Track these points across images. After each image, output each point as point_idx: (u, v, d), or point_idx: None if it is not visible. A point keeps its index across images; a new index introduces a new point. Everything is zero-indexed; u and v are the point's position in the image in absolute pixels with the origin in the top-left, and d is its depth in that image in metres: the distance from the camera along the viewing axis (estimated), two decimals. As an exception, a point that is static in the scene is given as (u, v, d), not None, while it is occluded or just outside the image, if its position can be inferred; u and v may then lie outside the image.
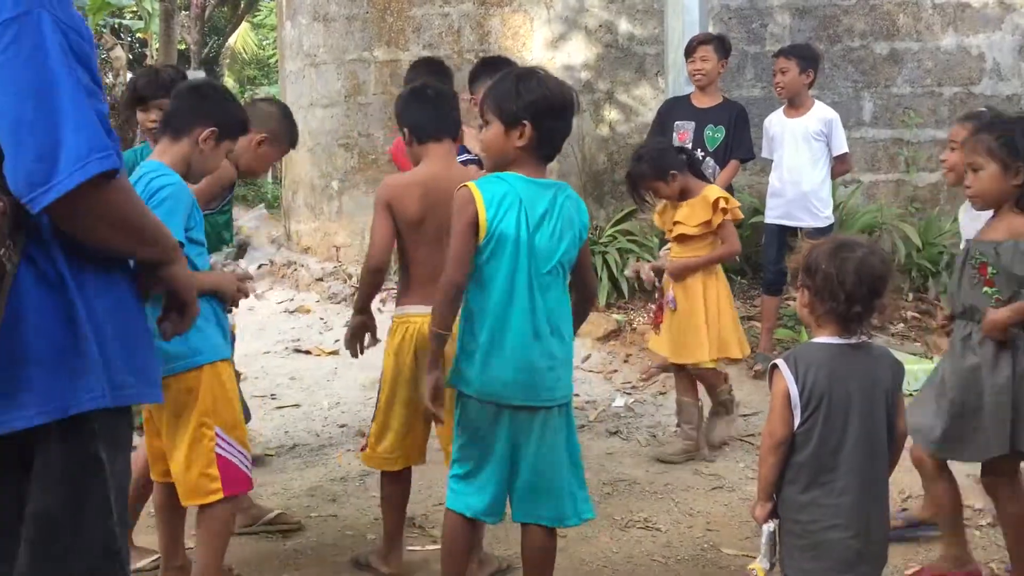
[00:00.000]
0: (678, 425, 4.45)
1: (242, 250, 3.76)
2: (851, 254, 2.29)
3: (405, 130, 3.12)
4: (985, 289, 2.77)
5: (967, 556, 3.00)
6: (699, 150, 5.34)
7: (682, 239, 4.22)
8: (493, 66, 3.94)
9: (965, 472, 3.32)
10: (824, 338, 2.36)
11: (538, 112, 2.52)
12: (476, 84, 4.03)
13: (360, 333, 3.16)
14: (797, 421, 2.31)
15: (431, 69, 4.17)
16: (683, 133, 5.40)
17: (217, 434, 2.75)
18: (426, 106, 3.09)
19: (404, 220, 2.98)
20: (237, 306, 2.95)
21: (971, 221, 3.18)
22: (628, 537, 3.52)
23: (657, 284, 4.41)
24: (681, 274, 4.23)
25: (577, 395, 5.30)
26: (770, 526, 2.37)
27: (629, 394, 5.24)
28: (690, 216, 4.16)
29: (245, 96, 20.05)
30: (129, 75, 16.74)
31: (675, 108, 5.54)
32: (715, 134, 5.35)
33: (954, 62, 7.24)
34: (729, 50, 5.48)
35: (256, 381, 5.84)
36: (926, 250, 6.41)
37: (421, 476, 4.14)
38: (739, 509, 3.71)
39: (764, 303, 5.53)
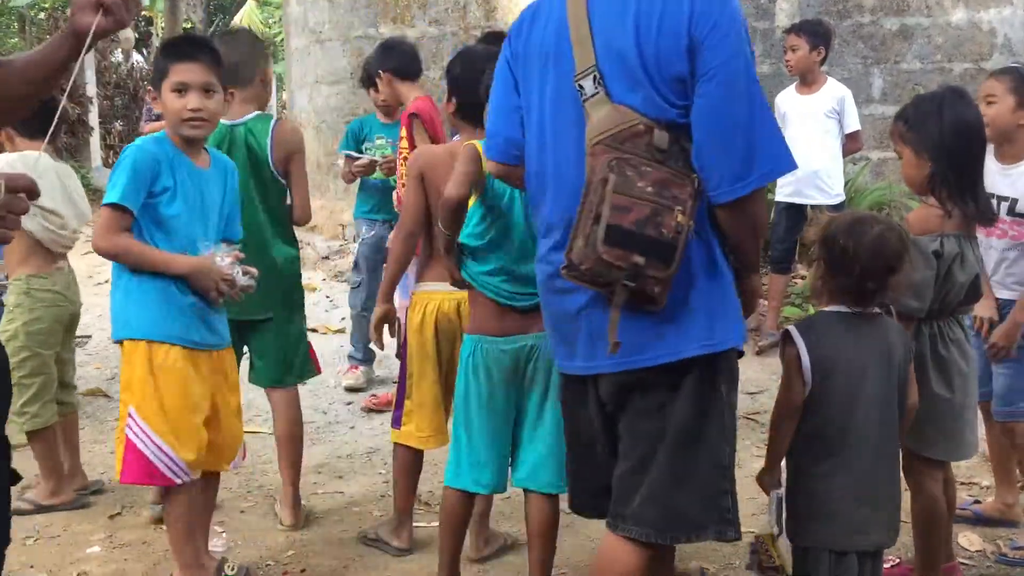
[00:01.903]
0: None
1: None
2: (869, 229, 2.31)
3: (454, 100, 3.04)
4: None
5: (948, 555, 2.93)
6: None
7: None
8: (497, 42, 3.91)
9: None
10: (835, 307, 2.38)
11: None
12: None
13: (381, 325, 3.11)
14: (808, 387, 2.33)
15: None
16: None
17: (130, 414, 2.67)
18: None
19: (434, 191, 2.90)
20: (216, 302, 2.76)
21: None
22: (634, 514, 3.52)
23: None
24: None
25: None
26: (779, 492, 2.38)
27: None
28: None
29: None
30: (135, 55, 16.69)
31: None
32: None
33: (964, 38, 7.16)
34: None
35: (262, 359, 5.84)
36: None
37: (427, 453, 4.14)
38: (746, 486, 3.69)
39: (771, 281, 5.50)
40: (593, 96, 1.95)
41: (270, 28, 22.16)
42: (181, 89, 2.68)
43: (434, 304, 3.00)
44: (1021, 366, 3.14)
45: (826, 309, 2.42)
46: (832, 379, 2.32)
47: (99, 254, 2.70)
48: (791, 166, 2.00)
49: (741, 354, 2.14)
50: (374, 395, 4.89)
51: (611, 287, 1.92)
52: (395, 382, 3.63)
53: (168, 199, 2.67)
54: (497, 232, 2.62)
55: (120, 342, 2.72)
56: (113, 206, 2.62)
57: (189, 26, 20.59)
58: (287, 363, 3.43)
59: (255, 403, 4.95)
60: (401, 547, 3.20)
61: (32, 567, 3.12)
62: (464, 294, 2.81)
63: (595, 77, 1.95)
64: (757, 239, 2.09)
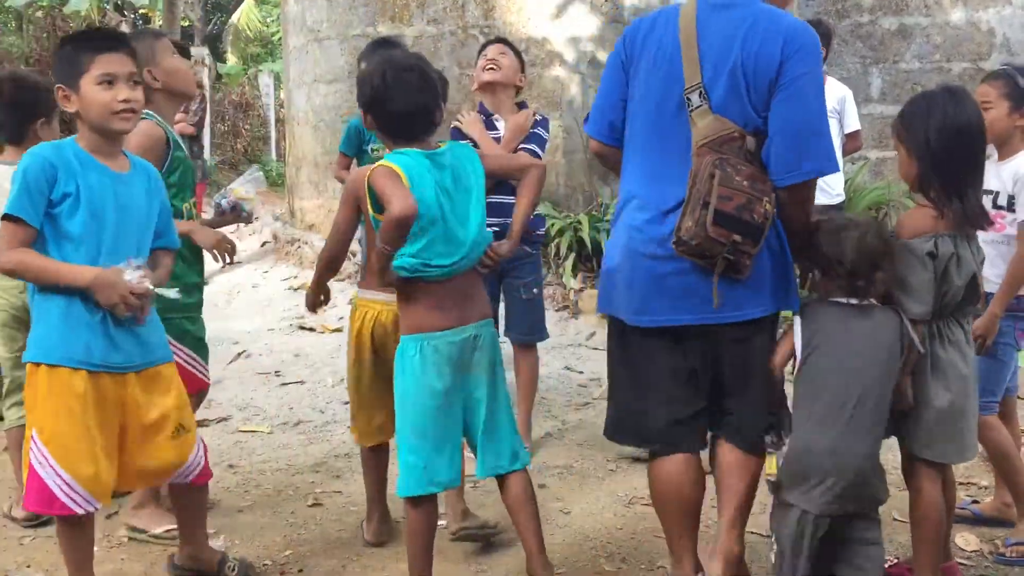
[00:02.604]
0: None
1: (237, 214, 3.58)
2: (849, 235, 2.54)
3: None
4: None
5: (946, 554, 2.92)
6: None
7: None
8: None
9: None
10: (835, 299, 2.62)
11: (370, 103, 2.70)
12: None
13: (316, 300, 3.21)
14: (798, 357, 2.56)
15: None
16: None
17: (33, 438, 2.53)
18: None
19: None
20: (121, 315, 2.55)
21: None
22: (632, 513, 3.52)
23: None
24: None
25: (581, 372, 5.30)
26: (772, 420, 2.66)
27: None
28: None
29: (248, 74, 19.98)
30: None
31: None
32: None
33: (963, 37, 7.17)
34: None
35: (260, 358, 5.84)
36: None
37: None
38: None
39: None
40: (698, 108, 2.47)
41: (268, 27, 22.14)
42: (110, 81, 2.54)
43: (373, 313, 3.06)
44: (994, 362, 3.13)
45: (830, 299, 2.61)
46: (821, 355, 2.54)
47: (2, 272, 2.55)
48: (835, 168, 2.55)
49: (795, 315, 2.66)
50: None
51: (713, 259, 2.44)
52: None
53: (71, 206, 2.50)
54: (432, 236, 2.63)
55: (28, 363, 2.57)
56: (5, 218, 2.47)
57: (186, 24, 20.57)
58: None
59: (254, 402, 4.96)
60: (367, 539, 3.26)
61: (29, 567, 3.11)
62: None
63: (701, 92, 2.47)
64: (805, 226, 2.59)
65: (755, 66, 2.44)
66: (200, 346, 3.30)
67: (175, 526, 3.26)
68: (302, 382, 5.32)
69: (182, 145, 3.31)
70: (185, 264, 3.18)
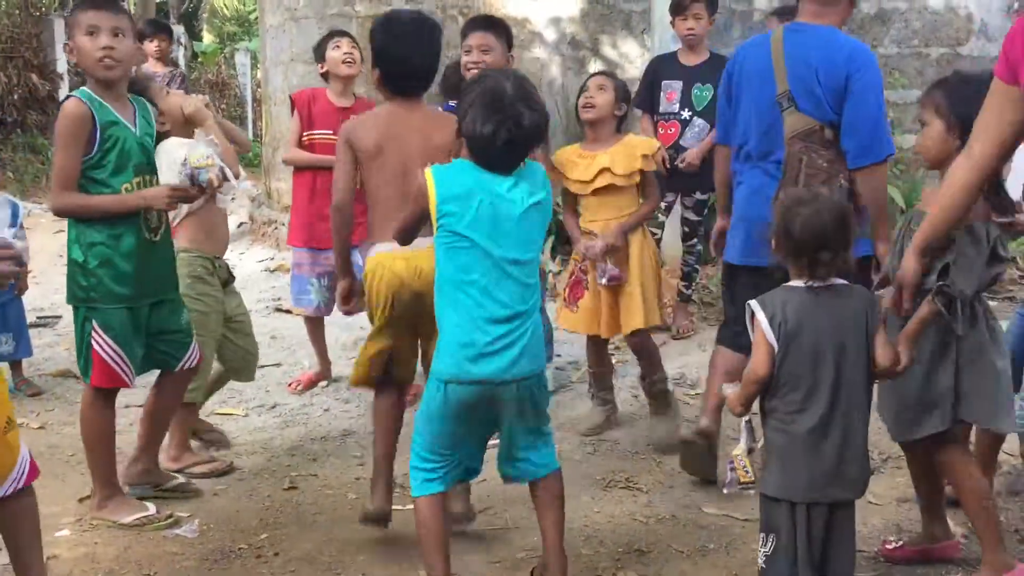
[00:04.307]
0: (592, 396, 4.30)
1: (198, 187, 3.22)
2: (802, 209, 2.48)
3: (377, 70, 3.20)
4: None
5: (946, 532, 2.97)
6: (687, 110, 5.29)
7: (605, 191, 3.93)
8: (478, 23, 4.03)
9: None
10: (792, 282, 2.53)
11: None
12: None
13: (348, 297, 3.22)
14: (777, 353, 2.46)
15: None
16: (671, 93, 5.33)
17: None
18: None
19: (363, 153, 3.02)
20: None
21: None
22: (609, 496, 3.52)
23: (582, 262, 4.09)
24: (619, 239, 3.90)
25: (559, 356, 5.29)
26: (746, 417, 2.58)
27: (611, 355, 5.21)
28: (618, 164, 3.88)
29: (224, 52, 19.77)
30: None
31: (662, 67, 5.46)
32: (703, 93, 5.28)
33: (941, 22, 7.18)
34: (717, 5, 5.41)
35: (236, 340, 5.79)
36: (910, 212, 6.38)
37: (406, 437, 4.11)
38: (721, 469, 3.70)
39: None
40: (787, 109, 3.27)
41: (244, 5, 21.90)
42: None
43: (387, 264, 2.95)
44: None
45: (783, 285, 2.54)
46: (793, 346, 2.45)
47: None
48: (891, 151, 3.28)
49: (868, 259, 3.19)
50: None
51: None
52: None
53: None
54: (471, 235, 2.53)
55: None
56: None
57: (161, 1, 20.30)
58: (78, 358, 3.27)
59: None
60: (372, 509, 3.08)
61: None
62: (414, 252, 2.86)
63: (788, 97, 3.27)
64: (876, 207, 3.27)
65: (826, 76, 3.21)
66: (125, 342, 3.19)
67: (146, 513, 3.24)
68: (278, 364, 5.29)
69: (120, 121, 3.12)
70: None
